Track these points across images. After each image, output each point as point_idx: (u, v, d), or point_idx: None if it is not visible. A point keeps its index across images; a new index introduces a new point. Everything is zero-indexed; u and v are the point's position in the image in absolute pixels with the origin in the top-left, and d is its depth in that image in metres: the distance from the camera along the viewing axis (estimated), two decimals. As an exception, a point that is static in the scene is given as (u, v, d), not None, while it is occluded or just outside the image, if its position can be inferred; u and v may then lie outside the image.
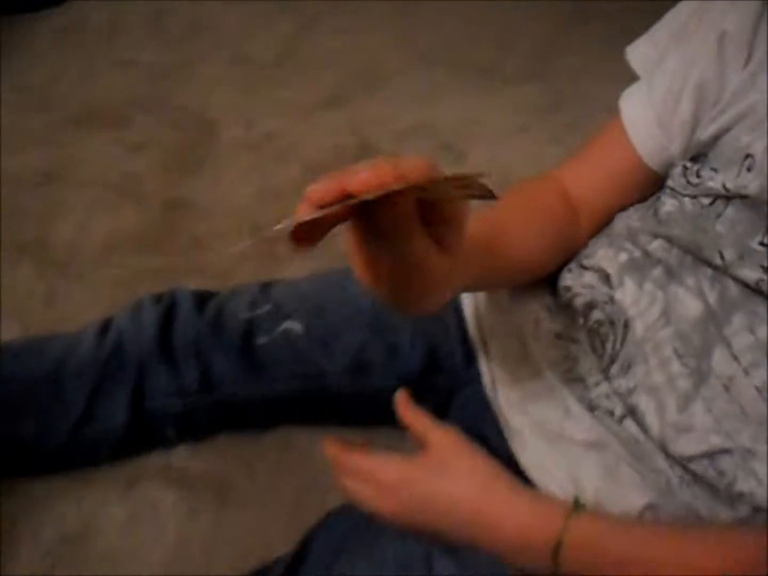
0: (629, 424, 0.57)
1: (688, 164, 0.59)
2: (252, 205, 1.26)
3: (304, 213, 0.39)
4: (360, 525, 0.61)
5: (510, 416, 0.64)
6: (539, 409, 0.62)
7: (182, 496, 0.82)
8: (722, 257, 0.54)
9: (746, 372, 0.52)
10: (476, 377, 0.70)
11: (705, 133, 0.58)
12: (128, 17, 1.89)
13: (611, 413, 0.58)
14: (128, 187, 1.33)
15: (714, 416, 0.53)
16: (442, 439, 0.57)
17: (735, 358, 0.53)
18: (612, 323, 0.60)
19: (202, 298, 0.83)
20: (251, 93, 1.58)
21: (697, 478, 0.54)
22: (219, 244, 1.17)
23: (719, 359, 0.54)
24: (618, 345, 0.59)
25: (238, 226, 1.21)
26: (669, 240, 0.59)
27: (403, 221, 0.40)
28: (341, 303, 0.75)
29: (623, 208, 0.67)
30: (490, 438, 0.64)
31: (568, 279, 0.66)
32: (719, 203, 0.56)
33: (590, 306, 0.62)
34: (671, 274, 0.58)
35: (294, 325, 0.78)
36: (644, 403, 0.56)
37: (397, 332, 0.75)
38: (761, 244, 0.53)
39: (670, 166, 0.62)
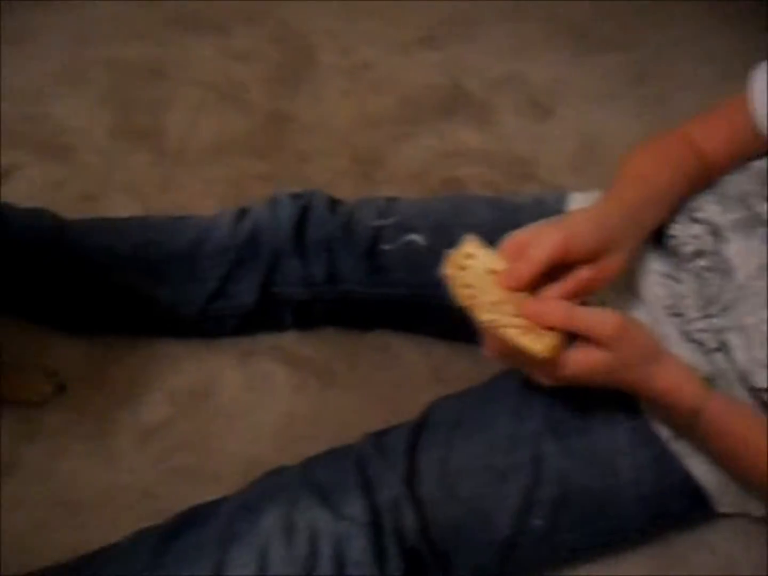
0: (718, 357, 0.68)
1: None
2: (350, 129, 1.34)
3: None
4: (477, 403, 0.73)
5: None
6: None
7: (291, 373, 0.94)
8: None
9: None
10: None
11: None
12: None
13: (704, 345, 0.69)
14: (233, 93, 1.40)
15: None
16: (614, 322, 0.64)
17: None
18: (716, 270, 0.70)
19: (333, 203, 0.92)
20: (349, 20, 1.63)
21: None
22: (320, 160, 1.26)
23: None
24: (719, 289, 0.69)
25: (337, 147, 1.29)
26: None
27: None
28: (466, 225, 0.84)
29: (733, 170, 0.76)
30: None
31: (676, 229, 0.75)
32: None
33: (697, 254, 0.72)
34: None
35: (418, 238, 0.87)
36: (735, 340, 0.67)
37: None
38: None
39: None
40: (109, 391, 0.90)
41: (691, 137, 0.76)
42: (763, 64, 0.74)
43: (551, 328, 0.61)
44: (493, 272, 0.64)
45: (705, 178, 0.75)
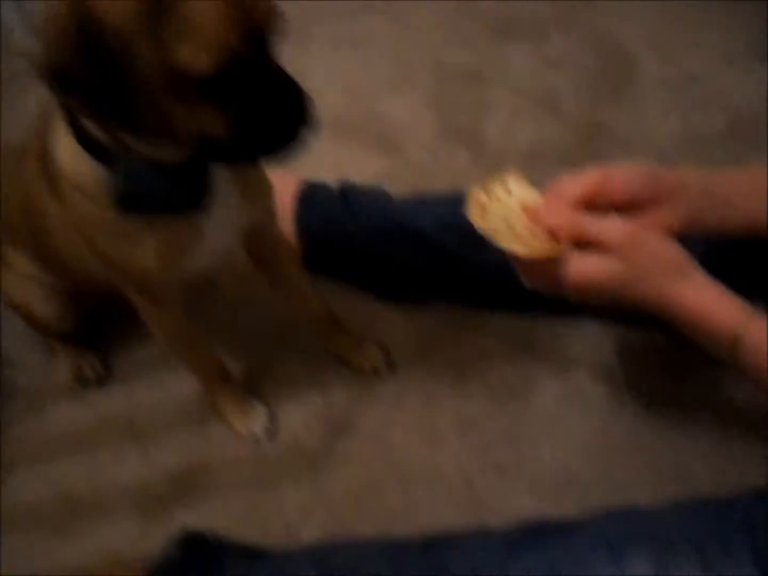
0: None
1: None
2: (674, 148, 1.26)
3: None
4: None
5: None
6: None
7: (608, 392, 0.91)
8: None
9: None
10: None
11: None
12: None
13: None
14: (549, 102, 1.41)
15: None
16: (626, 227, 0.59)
17: None
18: None
19: None
20: (673, 29, 1.54)
21: None
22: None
23: None
24: None
25: (659, 165, 1.23)
26: None
27: None
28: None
29: None
30: None
31: None
32: None
33: None
34: None
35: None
36: None
37: None
38: None
39: None
40: (437, 373, 0.95)
41: None
42: None
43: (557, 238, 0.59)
44: (520, 202, 0.63)
45: None
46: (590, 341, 0.96)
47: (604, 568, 0.61)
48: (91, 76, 0.51)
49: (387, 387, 0.95)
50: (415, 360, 0.98)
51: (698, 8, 1.65)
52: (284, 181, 1.01)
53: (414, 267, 0.96)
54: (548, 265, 0.60)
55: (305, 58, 1.55)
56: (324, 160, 1.15)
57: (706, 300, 0.58)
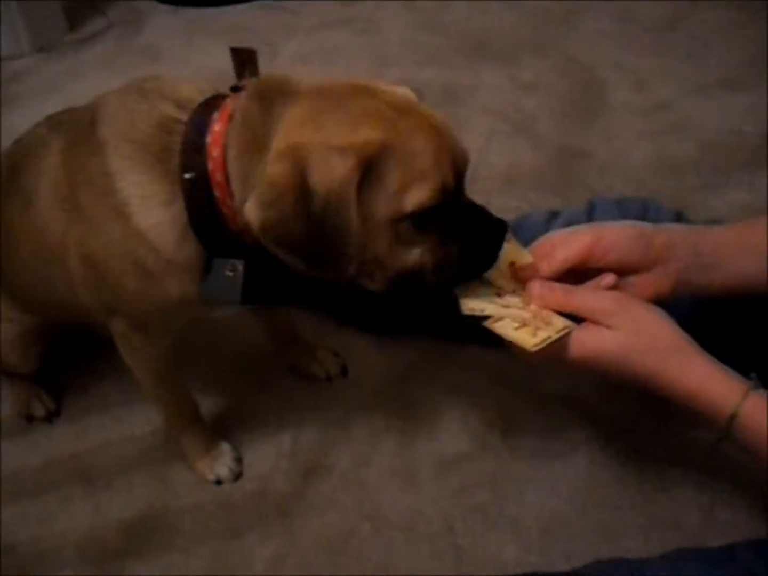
0: None
1: None
2: (648, 173, 1.25)
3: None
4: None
5: None
6: None
7: (591, 430, 0.87)
8: None
9: None
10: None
11: None
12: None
13: None
14: (523, 125, 1.39)
15: None
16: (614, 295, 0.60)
17: None
18: None
19: (678, 217, 0.88)
20: (642, 57, 1.55)
21: None
22: (615, 202, 1.20)
23: None
24: None
25: (635, 190, 1.22)
26: None
27: None
28: None
29: None
30: None
31: None
32: None
33: None
34: None
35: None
36: None
37: None
38: None
39: None
40: (414, 409, 0.91)
41: None
42: None
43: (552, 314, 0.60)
44: (510, 263, 0.64)
45: None
46: (571, 377, 0.92)
47: None
48: (305, 236, 0.57)
49: (361, 425, 0.90)
50: (392, 395, 0.93)
51: (667, 38, 1.67)
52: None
53: (395, 298, 0.93)
54: (551, 347, 0.58)
55: (272, 71, 1.52)
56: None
57: (698, 377, 0.57)
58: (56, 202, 0.68)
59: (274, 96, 0.61)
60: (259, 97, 0.61)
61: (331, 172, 0.55)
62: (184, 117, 0.63)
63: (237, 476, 0.86)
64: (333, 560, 0.78)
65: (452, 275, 0.64)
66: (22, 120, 0.78)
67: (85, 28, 1.77)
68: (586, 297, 0.60)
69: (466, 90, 1.45)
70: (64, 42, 1.73)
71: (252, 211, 0.57)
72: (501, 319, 0.60)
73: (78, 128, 0.68)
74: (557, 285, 0.60)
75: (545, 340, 0.57)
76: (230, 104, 0.62)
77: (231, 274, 0.66)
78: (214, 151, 0.61)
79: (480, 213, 0.63)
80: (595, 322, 0.59)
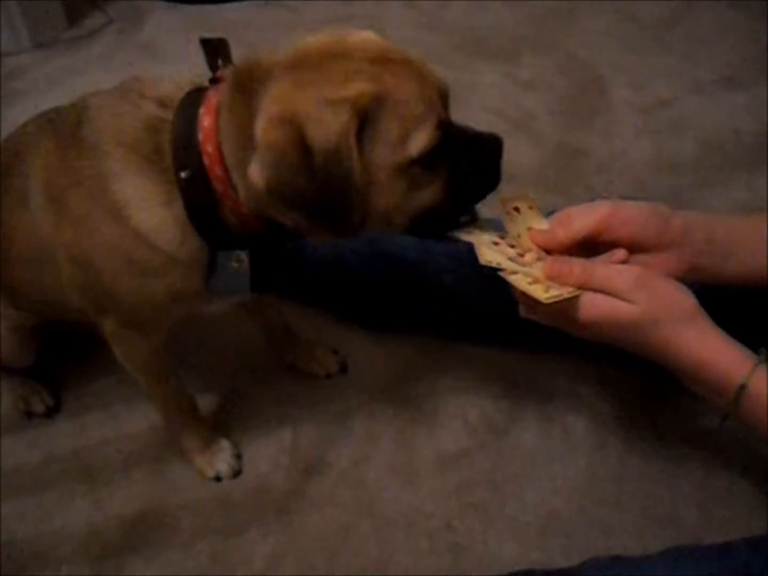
0: None
1: None
2: (647, 171, 1.26)
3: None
4: None
5: None
6: None
7: (591, 428, 0.87)
8: None
9: None
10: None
11: None
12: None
13: None
14: (522, 123, 1.39)
15: None
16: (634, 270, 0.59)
17: None
18: None
19: None
20: (641, 55, 1.55)
21: None
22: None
23: None
24: None
25: (634, 188, 1.22)
26: None
27: None
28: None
29: None
30: None
31: None
32: None
33: None
34: None
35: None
36: None
37: None
38: None
39: None
40: (413, 407, 0.91)
41: None
42: None
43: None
44: (528, 228, 0.65)
45: None
46: (570, 375, 0.93)
47: None
48: (310, 192, 0.57)
49: (361, 422, 0.90)
50: (392, 392, 0.93)
51: (666, 37, 1.67)
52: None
53: (397, 294, 0.93)
54: (562, 305, 0.58)
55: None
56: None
57: (710, 347, 0.57)
58: (46, 203, 0.68)
59: (252, 80, 0.60)
60: (239, 85, 0.61)
61: (328, 125, 0.55)
62: (169, 116, 0.63)
63: (236, 473, 0.86)
64: (332, 557, 0.78)
65: (467, 199, 0.65)
66: (22, 116, 0.77)
67: (84, 25, 1.77)
68: (604, 273, 0.59)
69: (465, 88, 1.45)
70: (64, 38, 1.72)
71: (256, 174, 0.57)
72: (515, 273, 0.60)
73: (64, 130, 0.68)
74: (574, 261, 0.60)
75: (557, 296, 0.57)
76: (213, 97, 0.61)
77: (237, 265, 0.66)
78: (209, 147, 0.61)
79: (473, 133, 0.64)
80: (611, 293, 0.58)
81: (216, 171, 0.61)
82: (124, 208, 0.63)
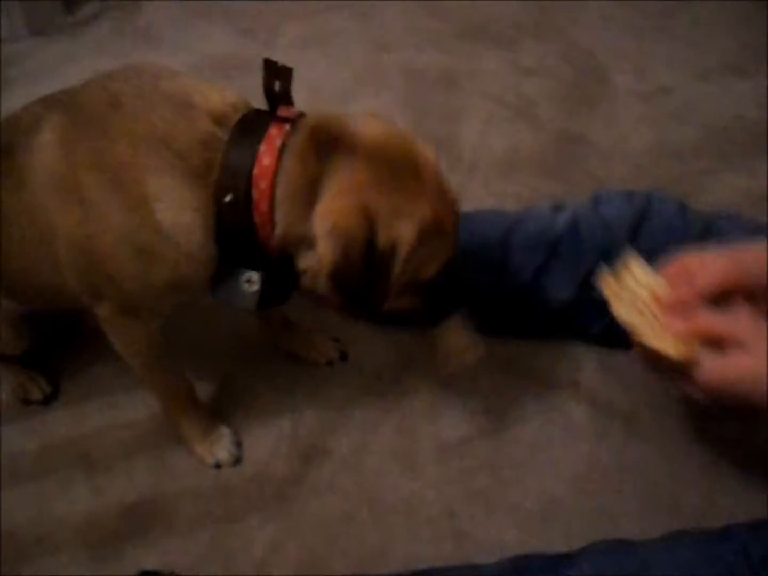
0: None
1: None
2: (649, 158, 1.25)
3: None
4: None
5: None
6: None
7: (592, 415, 0.87)
8: None
9: None
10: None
11: None
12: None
13: None
14: (523, 109, 1.38)
15: None
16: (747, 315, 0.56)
17: None
18: None
19: (683, 207, 0.85)
20: (643, 41, 1.54)
21: None
22: (617, 187, 1.19)
23: None
24: None
25: (636, 175, 1.22)
26: None
27: None
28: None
29: None
30: None
31: None
32: None
33: None
34: None
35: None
36: None
37: None
38: None
39: None
40: (415, 394, 0.90)
41: None
42: None
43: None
44: (651, 292, 0.62)
45: None
46: (573, 363, 0.93)
47: None
48: (362, 281, 0.65)
49: (361, 409, 0.89)
50: (392, 379, 0.93)
51: (669, 23, 1.66)
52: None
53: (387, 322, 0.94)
54: (686, 365, 0.57)
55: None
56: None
57: None
58: (51, 180, 0.66)
59: (331, 145, 0.64)
60: (316, 142, 0.64)
61: (396, 232, 0.64)
62: (224, 135, 0.65)
63: (236, 460, 0.85)
64: (332, 544, 0.78)
65: (440, 310, 0.76)
66: (19, 103, 0.76)
67: (81, 11, 1.75)
68: (725, 319, 0.57)
69: (465, 75, 1.44)
70: (61, 25, 1.70)
71: (327, 255, 0.63)
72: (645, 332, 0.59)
73: (86, 109, 0.66)
74: (698, 314, 0.57)
75: (687, 349, 0.56)
76: (277, 137, 0.63)
77: (248, 285, 0.70)
78: (262, 184, 0.64)
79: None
80: (733, 344, 0.56)
81: (262, 207, 0.64)
82: (152, 201, 0.64)
